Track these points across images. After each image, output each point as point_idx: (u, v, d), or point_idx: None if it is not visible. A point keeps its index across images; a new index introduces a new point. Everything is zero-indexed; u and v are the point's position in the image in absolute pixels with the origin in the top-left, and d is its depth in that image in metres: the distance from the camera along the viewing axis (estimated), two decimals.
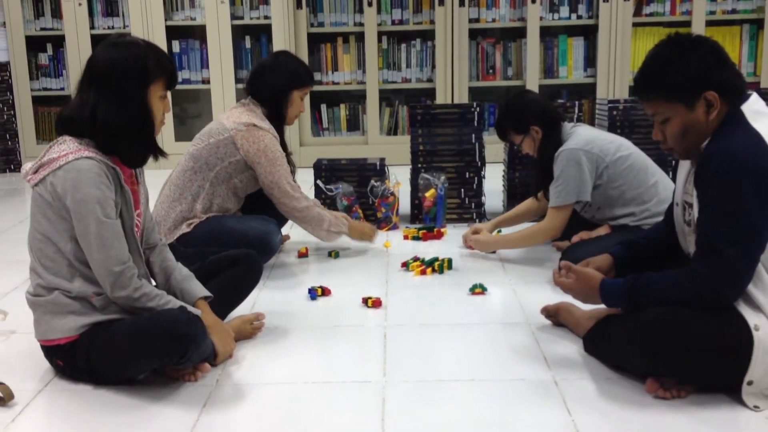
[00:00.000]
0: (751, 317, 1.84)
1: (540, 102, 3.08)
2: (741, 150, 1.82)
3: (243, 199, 3.16)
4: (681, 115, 1.92)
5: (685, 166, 2.06)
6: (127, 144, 2.03)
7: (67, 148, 1.99)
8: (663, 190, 2.91)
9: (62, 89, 5.75)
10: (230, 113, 3.11)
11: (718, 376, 1.90)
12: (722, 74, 1.90)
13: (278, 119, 3.14)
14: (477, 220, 3.85)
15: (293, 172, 3.26)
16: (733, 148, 1.83)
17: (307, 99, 5.59)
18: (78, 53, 5.55)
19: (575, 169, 2.88)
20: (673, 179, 2.43)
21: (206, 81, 5.66)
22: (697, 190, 1.90)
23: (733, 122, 1.89)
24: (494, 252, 3.29)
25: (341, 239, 3.23)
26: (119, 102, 1.99)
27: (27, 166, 2.05)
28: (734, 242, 1.82)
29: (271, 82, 3.10)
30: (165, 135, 5.54)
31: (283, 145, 3.17)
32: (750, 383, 1.85)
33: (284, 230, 3.55)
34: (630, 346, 1.97)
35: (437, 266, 3.06)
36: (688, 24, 5.47)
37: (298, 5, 5.52)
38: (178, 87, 5.30)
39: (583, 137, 2.95)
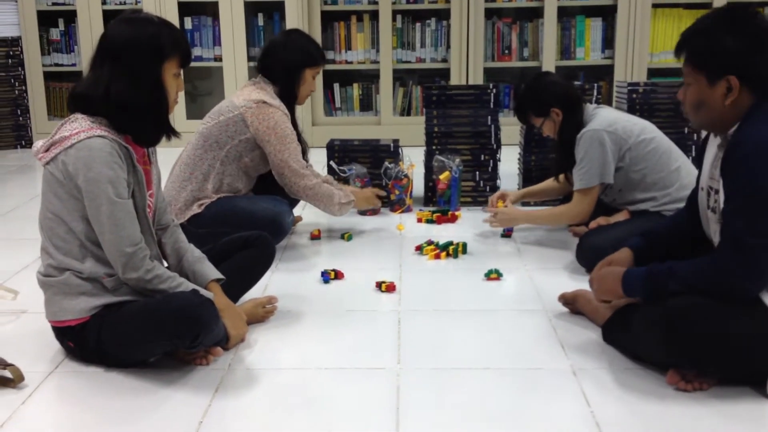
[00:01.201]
0: None
1: (561, 83, 3.02)
2: None
3: (254, 179, 3.12)
4: (700, 87, 1.89)
5: (711, 150, 2.01)
6: (140, 123, 1.99)
7: (79, 126, 1.95)
8: (686, 175, 2.85)
9: (74, 65, 5.71)
10: (241, 91, 3.07)
11: (742, 369, 1.86)
12: (754, 63, 1.83)
13: (289, 98, 3.09)
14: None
15: (305, 152, 3.22)
16: (762, 135, 1.78)
17: (319, 78, 5.54)
18: (90, 29, 5.50)
19: (598, 150, 2.82)
20: (695, 163, 2.39)
21: (218, 58, 5.60)
22: (723, 177, 1.86)
23: (763, 110, 1.83)
24: (509, 235, 3.24)
25: (355, 220, 3.19)
26: (133, 80, 1.95)
27: (38, 143, 2.02)
28: (759, 233, 1.78)
29: (283, 60, 3.05)
30: (176, 113, 5.49)
31: (294, 124, 3.12)
32: None
33: (296, 211, 3.52)
34: (651, 336, 1.93)
35: (452, 250, 3.02)
36: (709, 6, 5.36)
37: None
38: (190, 64, 5.26)
39: (606, 118, 2.89)
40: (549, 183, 3.31)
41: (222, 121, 2.96)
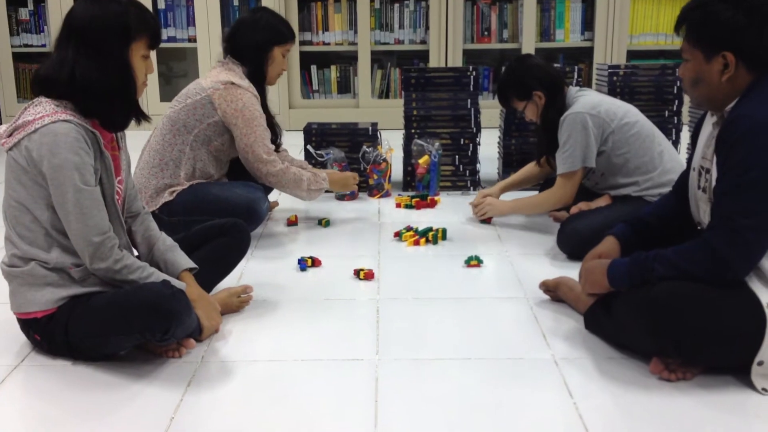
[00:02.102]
0: (763, 294, 1.77)
1: (543, 66, 2.96)
2: (767, 117, 1.73)
3: (227, 164, 3.04)
4: (697, 63, 1.86)
5: (707, 129, 1.97)
6: (106, 106, 1.91)
7: (43, 110, 1.88)
8: (669, 160, 2.82)
9: (44, 45, 5.58)
10: (209, 73, 2.99)
11: (727, 356, 1.82)
12: (752, 40, 1.79)
13: (259, 78, 3.01)
14: (471, 188, 3.75)
15: (279, 135, 3.15)
16: (758, 114, 1.75)
17: (295, 59, 5.46)
18: (60, 9, 5.37)
19: (581, 133, 2.78)
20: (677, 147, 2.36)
21: (192, 39, 5.50)
22: (717, 155, 1.82)
23: (762, 88, 1.79)
24: (489, 221, 3.20)
25: (333, 206, 3.12)
26: (99, 61, 1.87)
27: (1, 128, 1.93)
28: (749, 213, 1.75)
29: (251, 39, 2.97)
30: (149, 95, 5.39)
31: (265, 107, 3.05)
32: (761, 364, 1.78)
33: (272, 197, 3.45)
34: (635, 324, 1.89)
35: (431, 236, 2.97)
36: None
37: None
38: (163, 45, 5.14)
39: (589, 101, 2.84)
40: (528, 169, 3.28)
41: (189, 104, 2.88)
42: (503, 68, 3.08)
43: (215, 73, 2.95)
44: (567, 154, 2.82)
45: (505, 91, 3.00)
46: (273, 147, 2.98)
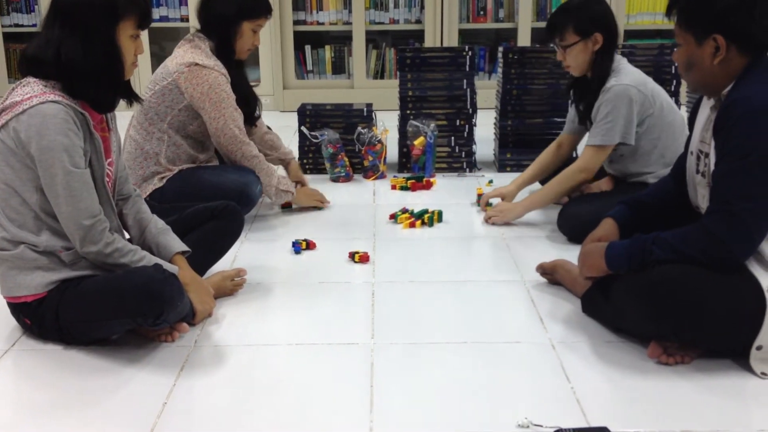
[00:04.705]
0: (763, 278, 1.75)
1: (611, 13, 2.75)
2: (764, 100, 1.71)
3: (212, 146, 2.95)
4: (689, 47, 1.84)
5: (704, 113, 1.95)
6: (93, 86, 1.86)
7: (31, 91, 1.84)
8: None
9: (34, 25, 5.49)
10: (175, 52, 2.85)
11: (726, 340, 1.81)
12: (743, 23, 1.76)
13: (227, 53, 2.85)
14: (468, 170, 3.71)
15: (259, 107, 3.08)
16: (756, 97, 1.72)
17: (289, 39, 5.40)
18: None
19: (627, 107, 2.63)
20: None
21: (185, 19, 5.42)
22: (715, 139, 1.80)
23: (758, 70, 1.77)
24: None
25: (327, 188, 3.08)
26: (85, 40, 1.83)
27: None
28: (748, 197, 1.73)
29: (218, 12, 2.81)
30: (141, 76, 5.33)
31: (244, 78, 2.94)
32: (759, 348, 1.76)
33: None
34: (633, 307, 1.88)
35: (427, 219, 2.94)
36: None
37: None
38: (155, 25, 5.07)
39: (639, 76, 2.70)
40: (543, 159, 3.04)
41: (158, 90, 2.77)
42: None
43: (181, 53, 2.81)
44: (608, 126, 2.66)
45: (567, 16, 2.68)
46: (244, 128, 2.86)
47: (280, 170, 3.19)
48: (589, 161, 2.73)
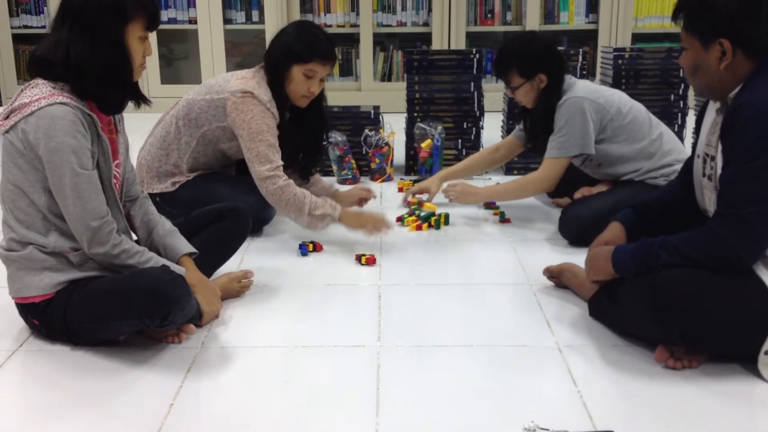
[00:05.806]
0: None
1: (553, 50, 2.84)
2: None
3: (235, 161, 2.93)
4: (695, 51, 1.84)
5: (710, 116, 1.94)
6: (101, 88, 1.87)
7: (39, 93, 1.84)
8: (667, 142, 2.78)
9: (43, 27, 5.54)
10: (244, 73, 2.78)
11: (733, 345, 1.80)
12: (748, 27, 1.76)
13: (279, 95, 2.73)
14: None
15: (316, 162, 2.94)
16: (763, 100, 1.71)
17: None
18: None
19: (581, 119, 2.72)
20: (678, 133, 2.30)
21: (193, 21, 5.45)
22: (722, 143, 1.79)
23: (765, 74, 1.76)
24: (492, 206, 3.16)
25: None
26: (93, 41, 1.84)
27: None
28: (756, 200, 1.72)
29: (273, 51, 2.73)
30: (150, 78, 5.35)
31: (301, 131, 2.81)
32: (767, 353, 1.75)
33: None
34: (640, 311, 1.87)
35: (434, 221, 2.94)
36: None
37: None
38: (164, 27, 5.09)
39: (589, 87, 2.80)
40: (472, 159, 3.22)
41: (207, 99, 2.75)
42: (513, 37, 2.92)
43: (246, 77, 2.74)
44: (563, 140, 2.75)
45: (509, 62, 2.81)
46: (278, 164, 2.66)
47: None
48: (549, 171, 2.80)
